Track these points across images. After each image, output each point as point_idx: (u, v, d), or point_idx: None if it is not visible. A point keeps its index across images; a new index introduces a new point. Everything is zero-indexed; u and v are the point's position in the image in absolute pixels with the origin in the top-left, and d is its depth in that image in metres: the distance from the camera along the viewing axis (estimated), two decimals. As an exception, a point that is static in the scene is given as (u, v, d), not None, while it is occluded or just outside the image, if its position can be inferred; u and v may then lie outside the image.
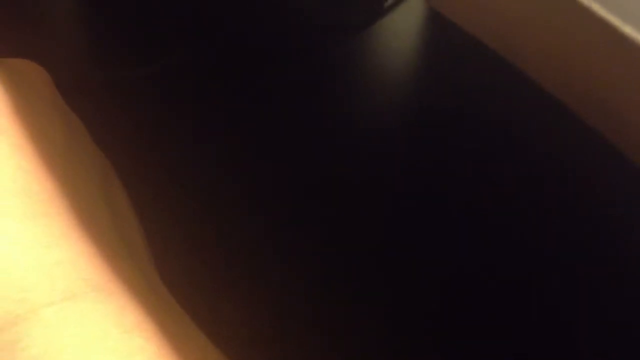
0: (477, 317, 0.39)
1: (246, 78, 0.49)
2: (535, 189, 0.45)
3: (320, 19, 0.53)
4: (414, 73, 0.53)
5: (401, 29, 0.54)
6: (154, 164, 0.43)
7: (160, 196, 0.41)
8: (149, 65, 0.49)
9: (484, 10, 0.17)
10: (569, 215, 0.43)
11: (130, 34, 0.50)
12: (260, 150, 0.46)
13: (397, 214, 0.44)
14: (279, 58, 0.51)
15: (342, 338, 0.38)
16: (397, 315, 0.39)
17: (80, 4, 0.52)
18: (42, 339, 0.20)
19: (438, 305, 0.40)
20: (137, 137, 0.44)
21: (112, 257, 0.22)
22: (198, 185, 0.43)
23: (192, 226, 0.41)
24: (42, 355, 0.20)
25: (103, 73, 0.48)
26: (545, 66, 0.16)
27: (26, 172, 0.22)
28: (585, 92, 0.15)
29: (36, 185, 0.22)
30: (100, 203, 0.24)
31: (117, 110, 0.45)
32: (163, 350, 0.21)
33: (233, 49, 0.50)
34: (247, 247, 0.41)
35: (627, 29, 0.15)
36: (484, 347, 0.38)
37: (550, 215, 0.43)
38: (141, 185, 0.32)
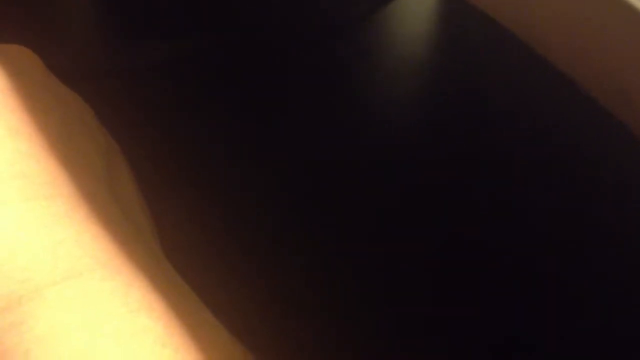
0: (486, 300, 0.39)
1: (256, 66, 0.49)
2: (551, 173, 0.44)
3: (330, 2, 0.53)
4: (427, 56, 0.53)
5: (415, 10, 0.54)
6: (164, 151, 0.43)
7: (170, 184, 0.41)
8: (159, 53, 0.48)
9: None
10: (584, 199, 0.43)
11: (141, 22, 0.50)
12: (271, 139, 0.45)
13: (412, 204, 0.43)
14: (288, 46, 0.50)
15: (352, 329, 0.38)
16: (409, 309, 0.39)
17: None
18: (47, 320, 0.20)
19: (452, 298, 0.40)
20: (146, 125, 0.44)
21: (116, 236, 0.22)
22: (208, 173, 0.43)
23: (201, 214, 0.41)
24: (47, 336, 0.20)
25: (113, 60, 0.48)
26: (561, 46, 0.16)
27: (24, 155, 0.22)
28: (601, 72, 0.15)
29: (35, 168, 0.22)
30: (102, 184, 0.24)
31: (126, 98, 0.45)
32: (170, 330, 0.21)
33: (243, 38, 0.50)
34: (257, 234, 0.41)
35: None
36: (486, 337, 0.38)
37: (566, 199, 0.43)
38: (151, 173, 0.31)
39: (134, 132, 0.37)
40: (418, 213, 0.43)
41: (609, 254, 0.41)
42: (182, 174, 0.43)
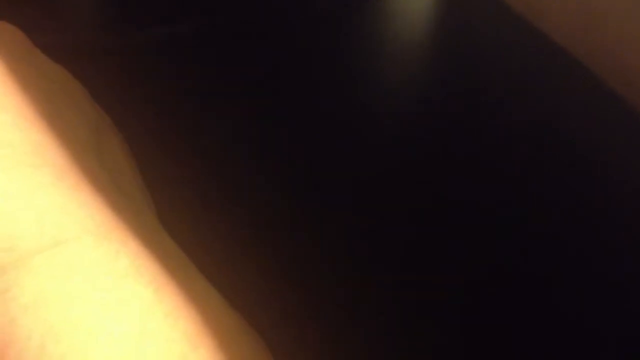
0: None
1: (258, 45, 0.49)
2: (555, 160, 0.44)
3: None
4: (429, 41, 0.52)
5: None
6: (163, 128, 0.43)
7: (169, 161, 0.41)
8: (158, 33, 0.48)
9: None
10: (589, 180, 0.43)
11: (140, 1, 0.50)
12: (271, 118, 0.45)
13: (412, 192, 0.43)
14: (287, 28, 0.50)
15: (358, 310, 0.38)
16: (418, 294, 0.39)
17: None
18: (32, 288, 0.20)
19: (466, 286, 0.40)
20: (145, 101, 0.44)
21: (105, 203, 0.22)
22: (210, 152, 0.43)
23: (201, 190, 0.41)
24: (32, 304, 0.20)
25: (112, 36, 0.48)
26: (566, 26, 0.16)
27: (9, 126, 0.22)
28: (602, 50, 0.15)
29: (20, 137, 0.22)
30: (91, 155, 0.24)
31: (126, 74, 0.45)
32: (159, 295, 0.20)
33: (242, 20, 0.50)
34: (258, 212, 0.41)
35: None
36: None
37: (569, 188, 0.43)
38: (149, 151, 0.31)
39: (133, 110, 0.37)
40: (416, 202, 0.43)
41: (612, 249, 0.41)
42: (180, 152, 0.42)
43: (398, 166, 0.44)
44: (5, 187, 0.21)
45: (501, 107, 0.47)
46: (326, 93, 0.47)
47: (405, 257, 0.40)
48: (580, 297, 0.39)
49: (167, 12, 0.49)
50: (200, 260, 0.25)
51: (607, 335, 0.37)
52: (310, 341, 0.36)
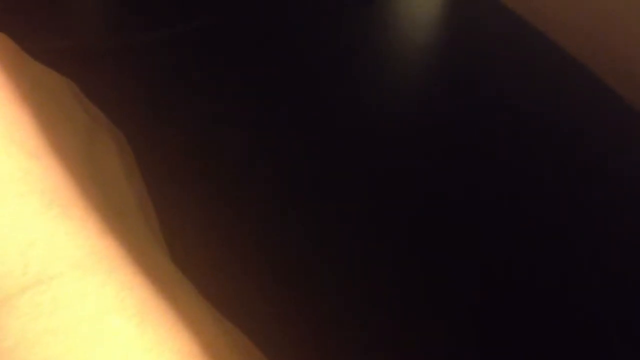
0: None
1: (259, 46, 0.49)
2: (558, 159, 0.44)
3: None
4: (435, 40, 0.52)
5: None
6: (164, 128, 0.43)
7: (170, 164, 0.41)
8: (160, 31, 0.48)
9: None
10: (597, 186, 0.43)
11: (141, 2, 0.50)
12: (272, 119, 0.45)
13: (416, 190, 0.43)
14: (292, 26, 0.50)
15: (368, 310, 0.38)
16: (416, 283, 0.39)
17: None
18: (16, 330, 0.20)
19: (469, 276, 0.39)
20: (147, 102, 0.44)
21: (94, 229, 0.21)
22: (211, 152, 0.43)
23: (201, 190, 0.41)
24: (16, 347, 0.20)
25: (113, 39, 0.48)
26: (570, 30, 0.16)
27: None
28: (611, 57, 0.15)
29: (7, 164, 0.22)
30: (82, 169, 0.23)
31: (127, 76, 0.45)
32: (143, 328, 0.20)
33: (246, 18, 0.50)
34: (262, 220, 0.41)
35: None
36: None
37: (572, 187, 0.43)
38: (151, 152, 0.31)
39: (134, 111, 0.37)
40: (421, 201, 0.43)
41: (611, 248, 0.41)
42: (181, 152, 0.42)
43: (399, 166, 0.44)
44: None
45: (504, 107, 0.47)
46: (328, 94, 0.47)
47: (404, 258, 0.40)
48: (583, 293, 0.39)
49: (168, 15, 0.49)
50: (197, 264, 0.25)
51: (610, 334, 0.37)
52: (304, 345, 0.36)
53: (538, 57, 0.47)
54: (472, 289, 0.39)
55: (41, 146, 0.22)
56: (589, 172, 0.43)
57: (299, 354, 0.35)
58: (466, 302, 0.39)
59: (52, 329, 0.20)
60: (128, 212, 0.24)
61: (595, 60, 0.15)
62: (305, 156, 0.44)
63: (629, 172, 0.43)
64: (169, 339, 0.21)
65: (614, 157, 0.44)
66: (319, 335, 0.37)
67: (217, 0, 0.50)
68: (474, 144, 0.45)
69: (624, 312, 0.38)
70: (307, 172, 0.43)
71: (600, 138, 0.44)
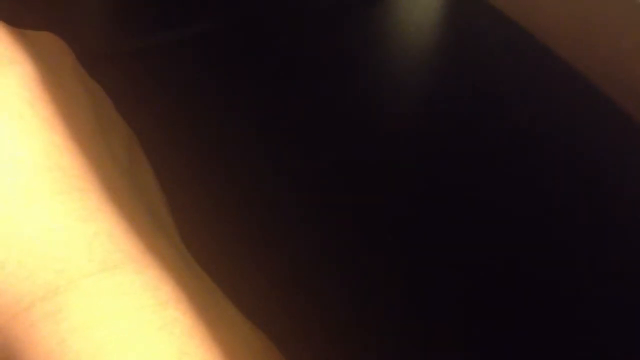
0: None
1: (266, 46, 0.49)
2: (556, 167, 0.44)
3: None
4: (432, 46, 0.53)
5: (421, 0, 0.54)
6: (180, 132, 0.44)
7: (186, 164, 0.42)
8: (168, 34, 0.49)
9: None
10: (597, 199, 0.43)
11: (151, 6, 0.50)
12: (279, 119, 0.46)
13: (418, 195, 0.44)
14: (297, 29, 0.50)
15: (375, 320, 0.38)
16: (418, 280, 0.40)
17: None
18: (81, 310, 0.21)
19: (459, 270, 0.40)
20: (162, 104, 0.44)
21: (143, 231, 0.22)
22: (225, 152, 0.43)
23: (209, 191, 0.41)
24: (81, 326, 0.21)
25: (130, 40, 0.48)
26: (569, 39, 0.16)
27: (57, 147, 0.22)
28: (608, 67, 0.15)
29: (68, 160, 0.22)
30: (127, 177, 0.24)
31: (143, 77, 0.45)
32: (196, 322, 0.21)
33: (252, 21, 0.50)
34: (268, 213, 0.41)
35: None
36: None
37: (571, 195, 0.43)
38: (165, 153, 0.32)
39: (148, 110, 0.38)
40: (422, 206, 0.43)
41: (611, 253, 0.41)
42: (193, 157, 0.43)
43: (399, 167, 0.44)
44: (57, 212, 0.22)
45: (501, 110, 0.47)
46: (330, 95, 0.48)
47: (412, 259, 0.41)
48: (580, 295, 0.39)
49: (174, 18, 0.49)
50: (212, 262, 0.26)
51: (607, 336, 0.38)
52: (318, 343, 0.36)
53: (536, 65, 0.47)
54: (474, 290, 0.40)
55: (97, 147, 0.24)
56: (587, 180, 0.44)
57: (314, 351, 0.35)
58: (474, 303, 0.39)
59: (115, 313, 0.21)
60: (164, 219, 0.25)
61: (593, 70, 0.16)
62: (311, 156, 0.44)
63: (628, 180, 0.43)
64: (218, 333, 0.22)
65: (612, 165, 0.44)
66: (335, 335, 0.37)
67: (222, 4, 0.51)
68: (473, 149, 0.45)
69: (623, 324, 0.39)
70: (314, 172, 0.44)
71: (598, 146, 0.45)
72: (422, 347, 0.38)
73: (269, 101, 0.46)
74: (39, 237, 0.21)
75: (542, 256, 0.41)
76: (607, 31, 0.16)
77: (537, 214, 0.42)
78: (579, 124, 0.46)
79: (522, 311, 0.39)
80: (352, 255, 0.40)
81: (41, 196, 0.22)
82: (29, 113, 0.22)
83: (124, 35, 0.48)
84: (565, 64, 0.18)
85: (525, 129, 0.46)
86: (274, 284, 0.38)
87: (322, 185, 0.43)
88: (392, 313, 0.39)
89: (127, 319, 0.21)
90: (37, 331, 0.21)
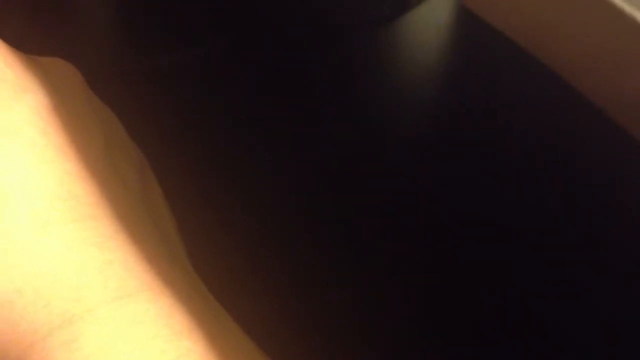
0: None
1: (272, 66, 0.49)
2: (560, 187, 0.44)
3: (346, 10, 0.53)
4: (440, 69, 0.53)
5: (430, 23, 0.54)
6: (188, 152, 0.44)
7: (193, 185, 0.42)
8: (184, 53, 0.49)
9: (513, 8, 0.18)
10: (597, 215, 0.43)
11: (165, 21, 0.50)
12: (291, 140, 0.46)
13: (421, 214, 0.44)
14: (304, 49, 0.51)
15: (381, 336, 0.38)
16: (423, 286, 0.40)
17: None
18: (96, 338, 0.21)
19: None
20: (171, 125, 0.45)
21: (156, 259, 0.23)
22: (236, 173, 0.43)
23: (225, 214, 0.41)
24: (96, 354, 0.21)
25: (136, 61, 0.48)
26: (574, 64, 0.17)
27: (70, 176, 0.23)
28: (615, 92, 0.15)
29: (81, 188, 0.23)
30: (139, 203, 0.25)
31: (153, 98, 0.46)
32: (209, 353, 0.21)
33: (265, 40, 0.50)
34: (282, 235, 0.41)
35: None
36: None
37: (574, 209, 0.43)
38: (173, 173, 0.32)
39: (156, 130, 0.38)
40: (426, 225, 0.43)
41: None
42: (202, 177, 0.43)
43: (404, 188, 0.45)
44: (72, 239, 0.22)
45: (507, 130, 0.47)
46: (337, 114, 0.48)
47: (412, 266, 0.41)
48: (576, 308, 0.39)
49: (183, 38, 0.50)
50: (221, 287, 0.26)
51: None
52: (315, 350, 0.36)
53: (541, 88, 0.47)
54: (481, 298, 0.40)
55: (110, 174, 0.24)
56: (592, 202, 0.44)
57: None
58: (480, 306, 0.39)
59: (130, 342, 0.21)
60: (176, 244, 0.25)
61: (598, 94, 0.16)
62: (317, 173, 0.44)
63: (633, 202, 0.43)
64: None
65: (616, 187, 0.44)
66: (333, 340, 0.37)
67: (230, 25, 0.51)
68: (477, 171, 0.45)
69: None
70: (319, 188, 0.44)
71: (603, 169, 0.45)
72: (423, 352, 0.38)
73: (279, 122, 0.47)
74: (54, 265, 0.21)
75: (548, 282, 0.41)
76: (612, 52, 0.17)
77: (542, 233, 0.42)
78: (585, 149, 0.46)
79: (521, 312, 0.39)
80: (355, 266, 0.40)
81: (55, 224, 0.22)
82: (42, 142, 0.23)
83: (134, 56, 0.49)
84: (570, 86, 0.18)
85: (530, 147, 0.46)
86: (283, 307, 0.38)
87: (327, 204, 0.43)
88: (397, 320, 0.39)
89: (142, 348, 0.21)
90: None
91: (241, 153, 0.45)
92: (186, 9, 0.51)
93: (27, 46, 0.26)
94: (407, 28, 0.54)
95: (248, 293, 0.37)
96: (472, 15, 0.18)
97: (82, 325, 0.21)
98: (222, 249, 0.39)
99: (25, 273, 0.21)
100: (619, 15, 0.16)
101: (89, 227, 0.22)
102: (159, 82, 0.48)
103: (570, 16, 0.16)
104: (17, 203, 0.22)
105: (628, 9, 0.16)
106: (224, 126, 0.46)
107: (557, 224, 0.43)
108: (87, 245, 0.22)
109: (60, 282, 0.21)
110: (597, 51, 0.17)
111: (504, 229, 0.43)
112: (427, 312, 0.40)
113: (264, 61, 0.50)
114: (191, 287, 0.23)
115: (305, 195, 0.44)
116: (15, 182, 0.22)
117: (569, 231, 0.43)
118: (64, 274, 0.21)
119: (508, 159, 0.46)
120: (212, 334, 0.22)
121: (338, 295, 0.40)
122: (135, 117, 0.30)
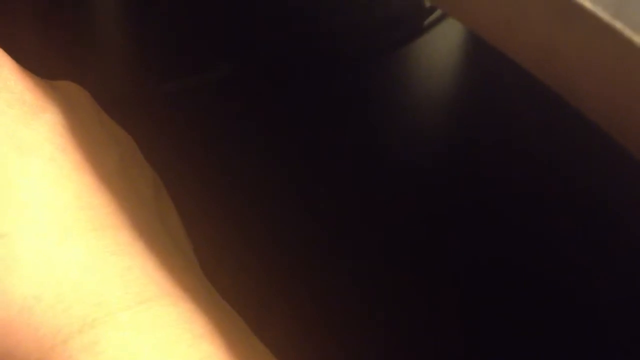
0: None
1: (292, 91, 0.50)
2: (568, 213, 0.45)
3: (358, 35, 0.54)
4: (450, 94, 0.53)
5: (440, 48, 0.54)
6: (200, 174, 0.44)
7: (206, 209, 0.42)
8: (200, 76, 0.49)
9: (516, 31, 0.18)
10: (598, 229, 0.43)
11: (176, 46, 0.51)
12: (311, 165, 0.46)
13: (428, 239, 0.44)
14: (316, 75, 0.51)
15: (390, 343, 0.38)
16: (429, 299, 0.40)
17: (126, 16, 0.53)
18: (118, 342, 0.21)
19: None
20: (186, 148, 0.45)
21: (173, 266, 0.23)
22: (251, 196, 0.44)
23: (240, 237, 0.42)
24: (119, 358, 0.21)
25: (148, 85, 0.49)
26: (583, 90, 0.17)
27: (89, 188, 0.23)
28: (627, 122, 0.16)
29: (99, 200, 0.23)
30: (154, 216, 0.25)
31: (167, 121, 0.46)
32: (229, 356, 0.22)
33: (275, 65, 0.51)
34: (297, 254, 0.41)
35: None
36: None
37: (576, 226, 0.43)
38: (186, 195, 0.32)
39: (169, 154, 0.38)
40: (433, 249, 0.43)
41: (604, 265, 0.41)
42: (215, 198, 0.43)
43: (412, 211, 0.45)
44: (92, 247, 0.22)
45: (519, 155, 0.47)
46: (352, 141, 0.48)
47: (416, 266, 0.41)
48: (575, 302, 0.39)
49: (198, 61, 0.50)
50: (219, 269, 0.26)
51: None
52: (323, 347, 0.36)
53: (546, 111, 0.47)
54: (484, 297, 0.40)
55: (125, 188, 0.24)
56: (606, 231, 0.44)
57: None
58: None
59: (152, 346, 0.21)
60: (190, 255, 0.26)
61: (608, 121, 0.16)
62: (336, 197, 0.44)
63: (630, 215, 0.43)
64: None
65: (627, 213, 0.44)
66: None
67: (245, 49, 0.51)
68: (487, 196, 0.46)
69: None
70: (341, 214, 0.44)
71: (613, 196, 0.45)
72: (424, 352, 0.38)
73: (295, 144, 0.47)
74: (75, 271, 0.22)
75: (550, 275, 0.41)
76: (623, 81, 0.17)
77: (560, 272, 0.43)
78: (595, 175, 0.46)
79: (522, 314, 0.39)
80: (377, 267, 0.41)
81: (75, 233, 0.22)
82: (60, 157, 0.23)
83: (146, 81, 0.49)
84: (579, 113, 0.18)
85: (537, 175, 0.47)
86: (294, 314, 0.38)
87: (336, 226, 0.43)
88: (400, 320, 0.39)
89: (164, 352, 0.21)
90: None
91: (254, 174, 0.45)
92: (197, 35, 0.51)
93: (42, 70, 0.27)
94: (417, 53, 0.54)
95: (260, 308, 0.37)
96: (481, 40, 0.19)
97: (104, 329, 0.21)
98: (236, 281, 0.39)
99: (44, 279, 0.22)
100: (628, 44, 0.16)
101: (108, 235, 0.23)
102: (169, 106, 0.48)
103: (572, 39, 0.16)
104: (39, 214, 0.22)
105: (637, 39, 0.16)
106: (235, 149, 0.46)
107: (575, 260, 0.43)
108: (106, 253, 0.22)
109: (80, 287, 0.22)
110: (605, 76, 0.17)
111: (513, 265, 0.43)
112: (431, 307, 0.40)
113: (274, 86, 0.50)
114: (209, 296, 0.24)
115: (318, 220, 0.44)
116: (36, 195, 0.23)
117: (593, 277, 0.43)
118: (84, 280, 0.22)
119: (518, 184, 0.46)
120: (230, 338, 0.22)
121: (351, 298, 0.40)
122: (146, 140, 0.30)
